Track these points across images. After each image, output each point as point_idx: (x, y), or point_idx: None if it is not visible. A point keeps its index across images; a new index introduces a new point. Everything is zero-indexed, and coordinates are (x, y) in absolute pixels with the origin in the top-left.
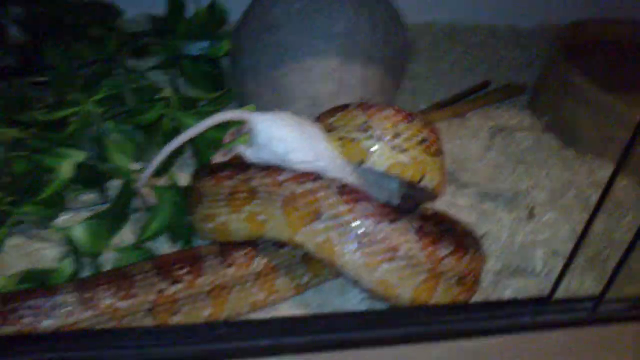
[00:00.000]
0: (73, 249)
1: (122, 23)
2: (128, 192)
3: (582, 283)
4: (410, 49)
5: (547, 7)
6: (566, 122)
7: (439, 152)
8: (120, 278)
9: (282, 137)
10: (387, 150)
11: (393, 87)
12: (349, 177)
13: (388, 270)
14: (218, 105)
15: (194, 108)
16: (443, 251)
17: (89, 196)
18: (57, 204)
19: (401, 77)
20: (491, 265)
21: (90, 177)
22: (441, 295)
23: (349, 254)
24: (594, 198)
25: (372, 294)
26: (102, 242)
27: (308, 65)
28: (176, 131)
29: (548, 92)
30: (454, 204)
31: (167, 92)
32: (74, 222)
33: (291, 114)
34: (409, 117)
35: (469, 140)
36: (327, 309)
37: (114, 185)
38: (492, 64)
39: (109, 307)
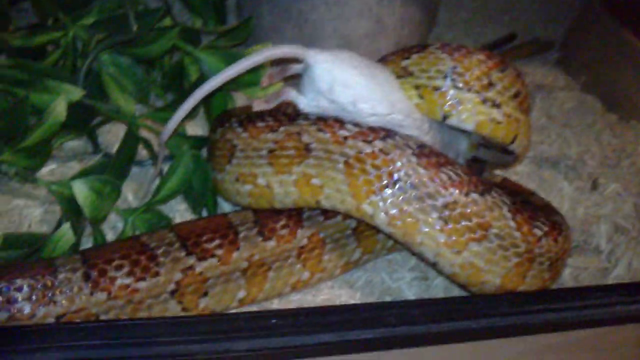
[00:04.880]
0: (73, 212)
1: None
2: (133, 141)
3: None
4: None
5: None
6: (607, 83)
7: (529, 109)
8: (137, 251)
9: (349, 83)
10: (479, 103)
11: (427, 32)
12: (426, 135)
13: (477, 252)
14: (231, 41)
15: (197, 43)
16: (539, 231)
17: (73, 143)
18: (43, 153)
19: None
20: None
21: (82, 120)
22: (530, 282)
23: (429, 231)
24: None
25: (452, 279)
26: (109, 205)
27: None
28: (178, 68)
29: (583, 48)
30: (511, 169)
31: (165, 21)
32: (61, 175)
33: (354, 53)
34: (503, 63)
35: None
36: (375, 288)
37: (104, 131)
38: (514, 14)
39: (125, 289)
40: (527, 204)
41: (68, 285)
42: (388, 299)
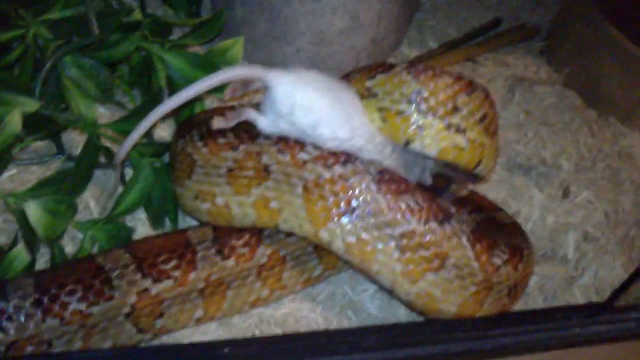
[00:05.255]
0: (29, 228)
1: None
2: (93, 150)
3: (612, 269)
4: None
5: None
6: (589, 78)
7: (496, 131)
8: (91, 274)
9: (310, 106)
10: (443, 129)
11: (406, 24)
12: (388, 159)
13: (433, 282)
14: (203, 37)
15: (168, 34)
16: (498, 259)
17: (39, 144)
18: (2, 161)
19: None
20: None
21: (42, 126)
22: (488, 308)
23: (386, 261)
24: (623, 173)
25: (408, 306)
26: (65, 223)
27: None
28: (145, 63)
29: (567, 39)
30: None
31: (135, 14)
32: (20, 181)
33: (318, 73)
34: (470, 86)
35: None
36: (337, 302)
37: (69, 129)
38: None
39: (78, 314)
40: (489, 224)
41: (19, 312)
42: (350, 312)
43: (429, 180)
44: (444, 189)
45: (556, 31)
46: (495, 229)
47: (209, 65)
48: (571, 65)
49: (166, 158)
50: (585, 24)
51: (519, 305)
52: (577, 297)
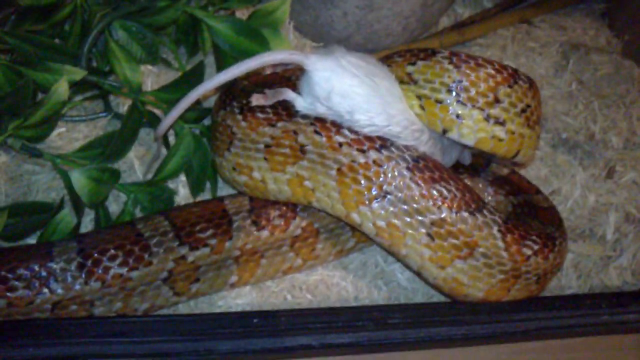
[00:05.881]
0: (73, 196)
1: None
2: (138, 115)
3: None
4: None
5: None
6: None
7: (538, 121)
8: (132, 241)
9: (347, 93)
10: (481, 120)
11: None
12: (424, 145)
13: (461, 269)
14: (249, 0)
15: None
16: (529, 250)
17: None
18: (48, 125)
19: None
20: None
21: (90, 89)
22: (515, 294)
23: (415, 246)
24: None
25: (435, 289)
26: (107, 190)
27: None
28: (191, 21)
29: (631, 1)
30: None
31: None
32: (68, 140)
33: (360, 55)
34: (513, 77)
35: (537, 55)
36: (368, 271)
37: None
38: None
39: (118, 278)
40: (525, 207)
41: (65, 274)
42: (380, 282)
43: (468, 160)
44: (484, 168)
45: None
46: (530, 213)
47: (253, 32)
48: (633, 31)
49: (207, 121)
50: None
51: (552, 283)
52: (613, 277)
